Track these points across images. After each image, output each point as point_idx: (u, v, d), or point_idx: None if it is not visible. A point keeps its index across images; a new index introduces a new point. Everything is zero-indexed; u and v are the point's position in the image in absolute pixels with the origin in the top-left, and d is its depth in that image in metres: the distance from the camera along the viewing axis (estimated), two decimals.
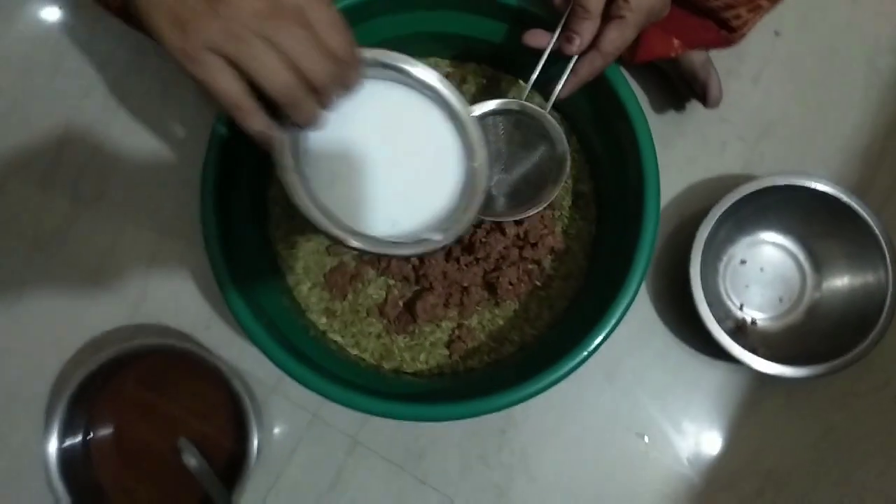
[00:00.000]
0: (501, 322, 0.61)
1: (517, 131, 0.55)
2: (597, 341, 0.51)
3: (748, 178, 0.62)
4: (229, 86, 0.37)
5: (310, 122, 0.40)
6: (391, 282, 0.62)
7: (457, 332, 0.61)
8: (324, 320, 0.61)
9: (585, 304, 0.59)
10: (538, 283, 0.61)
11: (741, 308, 0.67)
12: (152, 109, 0.70)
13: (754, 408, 0.66)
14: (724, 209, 0.61)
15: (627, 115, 0.54)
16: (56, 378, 0.66)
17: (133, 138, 0.69)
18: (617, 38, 0.48)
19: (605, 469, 0.65)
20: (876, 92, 0.70)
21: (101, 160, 0.69)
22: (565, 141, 0.53)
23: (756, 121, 0.70)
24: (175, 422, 0.63)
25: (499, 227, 0.60)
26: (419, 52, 0.63)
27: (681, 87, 0.66)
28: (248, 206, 0.60)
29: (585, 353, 0.51)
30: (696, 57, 0.62)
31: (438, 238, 0.45)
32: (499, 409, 0.51)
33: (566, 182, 0.62)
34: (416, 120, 0.46)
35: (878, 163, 0.69)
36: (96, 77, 0.70)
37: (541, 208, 0.53)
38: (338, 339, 0.61)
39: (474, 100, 0.63)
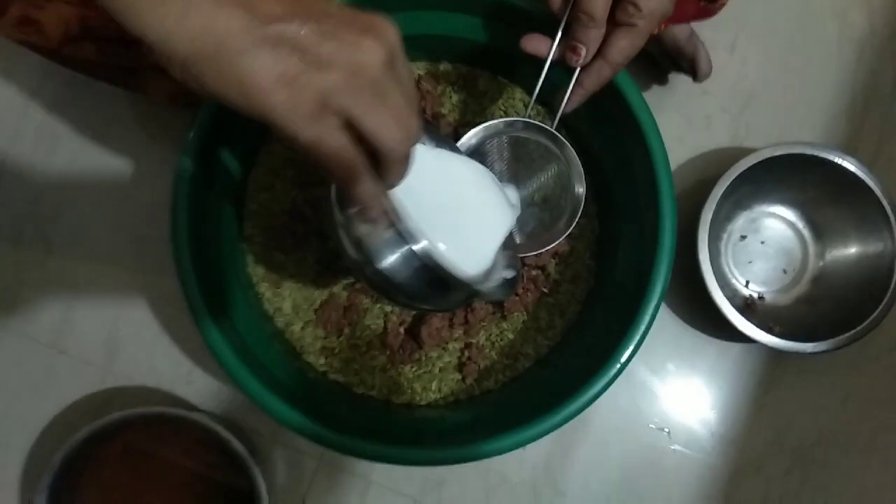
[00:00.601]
0: (511, 336, 0.57)
1: (521, 151, 0.51)
2: (627, 353, 0.48)
3: (739, 151, 0.60)
4: (345, 144, 0.32)
5: (403, 178, 0.36)
6: (388, 308, 0.57)
7: (466, 352, 0.57)
8: (322, 361, 0.56)
9: (600, 307, 0.56)
10: (545, 290, 0.58)
11: (747, 285, 0.65)
12: (95, 144, 0.63)
13: (771, 385, 0.64)
14: (724, 187, 0.59)
15: (629, 106, 0.50)
16: (25, 462, 0.59)
17: (77, 176, 0.62)
18: (627, 46, 0.44)
19: (632, 469, 0.63)
20: (850, 48, 0.69)
21: (45, 203, 0.62)
22: (579, 162, 0.49)
23: (737, 90, 0.67)
24: (171, 488, 0.57)
25: None
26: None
27: (665, 64, 0.63)
28: (226, 247, 0.54)
29: (619, 367, 0.48)
30: (679, 32, 0.59)
31: (509, 275, 0.45)
32: (530, 440, 0.47)
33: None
34: (458, 170, 0.43)
35: (861, 120, 0.67)
36: (24, 115, 0.63)
37: (559, 241, 0.50)
38: (339, 378, 0.56)
39: (465, 108, 0.58)
